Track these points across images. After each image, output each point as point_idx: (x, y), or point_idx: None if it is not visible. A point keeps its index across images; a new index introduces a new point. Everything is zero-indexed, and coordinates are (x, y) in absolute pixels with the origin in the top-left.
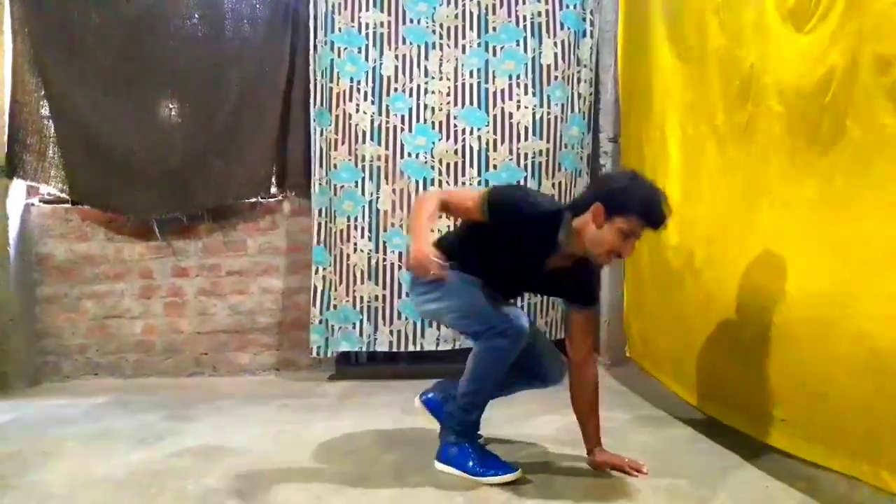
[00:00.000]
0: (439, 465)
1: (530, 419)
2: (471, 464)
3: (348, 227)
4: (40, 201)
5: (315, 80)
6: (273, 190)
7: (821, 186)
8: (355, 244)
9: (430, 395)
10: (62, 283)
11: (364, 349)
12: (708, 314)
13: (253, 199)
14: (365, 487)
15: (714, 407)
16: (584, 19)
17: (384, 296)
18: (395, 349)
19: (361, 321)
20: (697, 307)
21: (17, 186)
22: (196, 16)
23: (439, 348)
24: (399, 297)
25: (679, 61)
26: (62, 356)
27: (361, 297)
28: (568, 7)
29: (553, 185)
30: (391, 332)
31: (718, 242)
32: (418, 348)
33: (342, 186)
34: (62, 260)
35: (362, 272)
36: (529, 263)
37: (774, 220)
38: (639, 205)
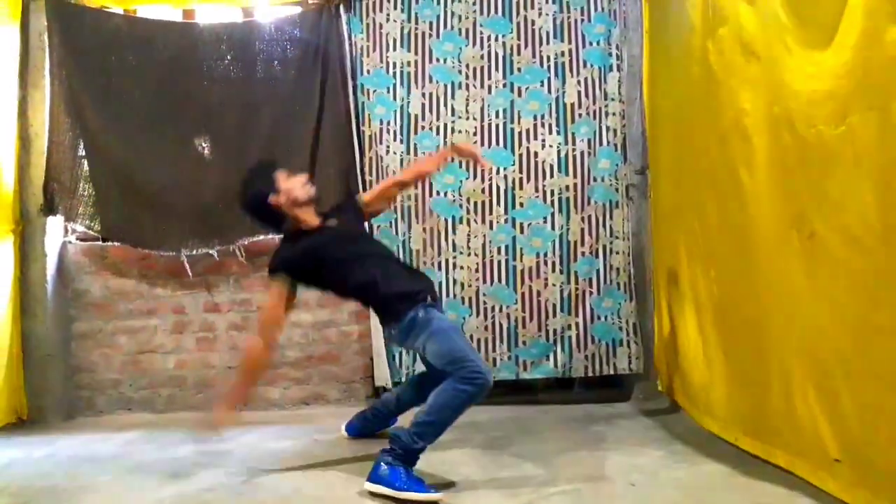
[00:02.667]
0: (368, 486)
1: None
2: (398, 483)
3: None
4: (77, 239)
5: (356, 123)
6: None
7: None
8: None
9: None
10: (97, 319)
11: (403, 381)
12: (751, 348)
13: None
14: None
15: (754, 443)
16: (609, 54)
17: None
18: None
19: (400, 353)
20: (739, 341)
21: (55, 225)
22: (228, 57)
23: None
24: None
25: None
26: (96, 391)
27: None
28: (591, 45)
29: (583, 218)
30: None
31: (762, 273)
32: None
33: (378, 226)
34: (97, 296)
35: None
36: (353, 234)
37: (820, 250)
38: None
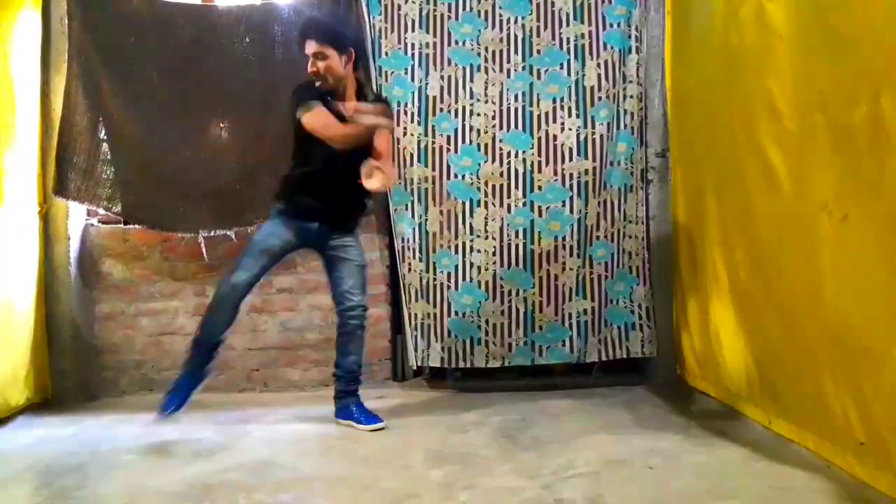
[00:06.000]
0: (344, 421)
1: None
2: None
3: (402, 247)
4: (99, 222)
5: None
6: None
7: None
8: (409, 264)
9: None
10: (119, 301)
11: (418, 364)
12: (779, 331)
13: None
14: None
15: (787, 426)
16: (629, 36)
17: (435, 314)
18: (446, 365)
19: (416, 337)
20: (774, 324)
21: (77, 207)
22: (247, 39)
23: (488, 365)
24: (449, 314)
25: None
26: (119, 372)
27: (415, 315)
28: (612, 26)
29: (599, 203)
30: (442, 348)
31: (790, 256)
32: (468, 365)
33: (395, 209)
34: (119, 278)
35: (416, 291)
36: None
37: (861, 232)
38: None
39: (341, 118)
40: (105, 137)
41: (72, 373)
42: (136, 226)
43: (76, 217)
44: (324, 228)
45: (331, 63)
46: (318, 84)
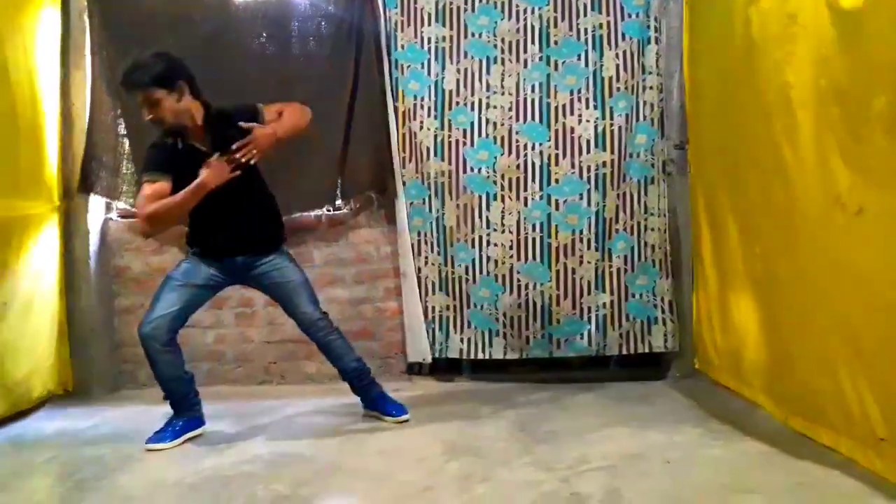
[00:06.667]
0: (390, 419)
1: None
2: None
3: (419, 241)
4: (118, 216)
5: (389, 99)
6: (338, 202)
7: None
8: (426, 257)
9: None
10: (138, 295)
11: (437, 356)
12: (795, 326)
13: (319, 212)
14: (430, 497)
15: (800, 422)
16: (648, 27)
17: (454, 306)
18: (464, 357)
19: (433, 330)
20: (790, 318)
21: (97, 202)
22: (264, 35)
23: (506, 357)
24: (468, 307)
25: None
26: (138, 365)
27: (433, 308)
28: (630, 17)
29: (618, 195)
30: (461, 340)
31: (805, 250)
32: (486, 357)
33: (412, 203)
34: (138, 272)
35: (433, 284)
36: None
37: (876, 225)
38: None
39: (200, 153)
40: (125, 133)
41: (92, 365)
42: None
43: (95, 212)
44: (246, 260)
45: (163, 104)
46: (168, 138)
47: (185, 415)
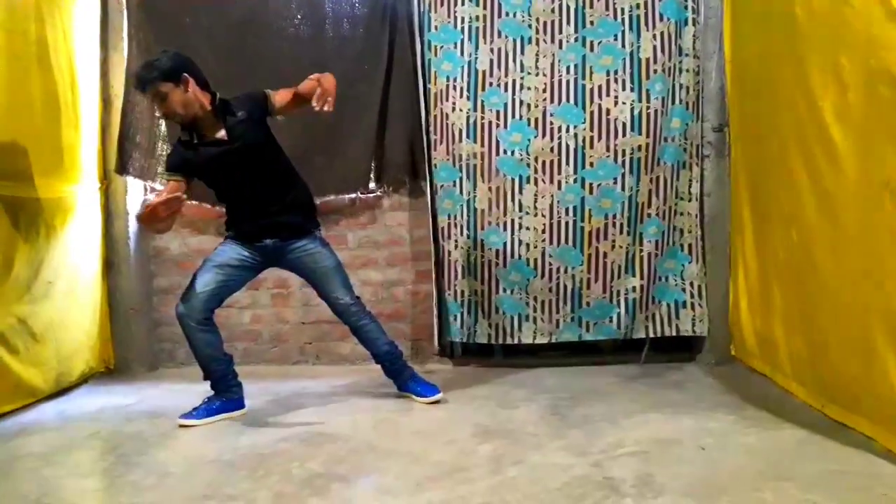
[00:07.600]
0: (422, 400)
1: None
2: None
3: (449, 224)
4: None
5: (420, 80)
6: (372, 185)
7: None
8: (455, 241)
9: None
10: (176, 275)
11: (465, 340)
12: (831, 313)
13: (353, 195)
14: (463, 477)
15: (840, 411)
16: (685, 7)
17: (483, 291)
18: (493, 342)
19: (462, 314)
20: (828, 306)
21: (135, 184)
22: (298, 17)
23: (536, 341)
24: (497, 292)
25: None
26: (177, 343)
27: (462, 292)
28: None
29: (651, 179)
30: (490, 324)
31: (846, 236)
32: (515, 341)
33: (442, 186)
34: (177, 253)
35: (462, 267)
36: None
37: None
38: None
39: (214, 143)
40: (161, 115)
41: (132, 344)
42: (193, 201)
43: (134, 193)
44: (278, 243)
45: (171, 97)
46: (181, 136)
47: (223, 395)
